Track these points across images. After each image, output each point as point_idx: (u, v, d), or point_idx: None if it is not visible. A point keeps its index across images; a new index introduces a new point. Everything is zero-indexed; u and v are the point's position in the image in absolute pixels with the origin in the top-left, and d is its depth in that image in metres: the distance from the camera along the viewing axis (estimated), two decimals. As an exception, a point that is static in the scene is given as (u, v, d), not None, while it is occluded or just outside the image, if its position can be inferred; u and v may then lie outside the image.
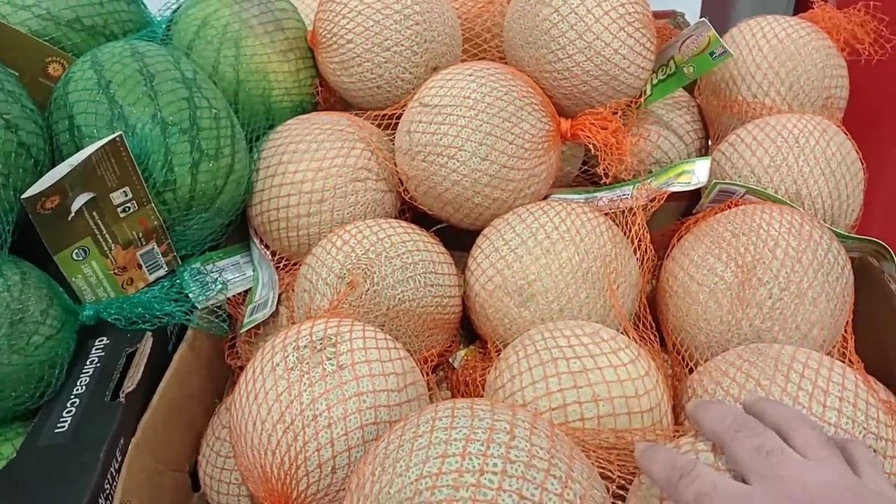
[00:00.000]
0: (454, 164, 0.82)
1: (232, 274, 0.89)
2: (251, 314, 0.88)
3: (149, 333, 0.75)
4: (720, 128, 1.00)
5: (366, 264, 0.76)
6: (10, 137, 0.70)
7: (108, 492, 0.62)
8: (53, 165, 0.72)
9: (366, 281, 0.75)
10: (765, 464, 0.43)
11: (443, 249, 0.83)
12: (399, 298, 0.75)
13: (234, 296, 0.89)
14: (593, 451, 0.58)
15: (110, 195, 0.72)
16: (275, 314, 0.88)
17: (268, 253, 0.92)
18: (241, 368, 0.87)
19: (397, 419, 0.62)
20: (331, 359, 0.63)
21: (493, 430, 0.52)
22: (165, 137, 0.75)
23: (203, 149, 0.77)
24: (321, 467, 0.59)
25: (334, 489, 0.60)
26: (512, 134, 0.82)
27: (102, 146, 0.69)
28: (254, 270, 0.93)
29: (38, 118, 0.75)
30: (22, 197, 0.66)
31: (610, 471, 0.56)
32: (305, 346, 0.64)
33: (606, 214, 0.85)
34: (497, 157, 0.81)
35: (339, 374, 0.62)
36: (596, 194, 0.92)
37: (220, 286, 0.84)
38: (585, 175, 1.04)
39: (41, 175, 0.70)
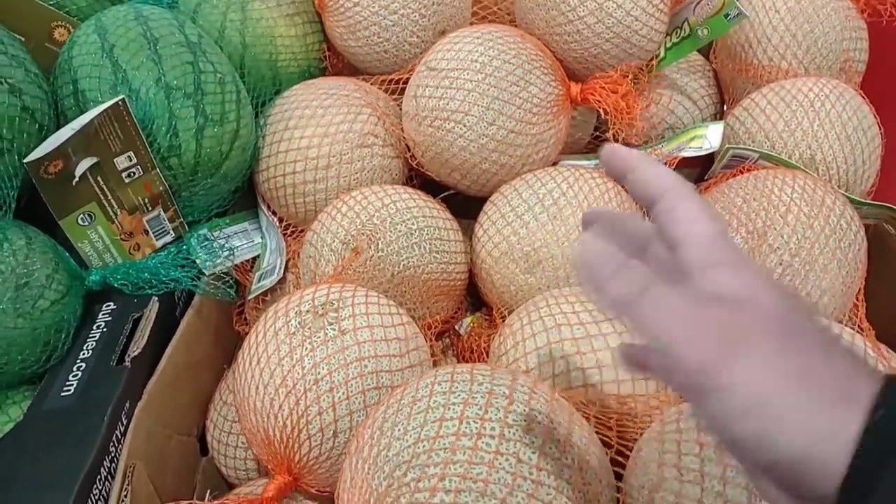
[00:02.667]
0: (461, 129, 0.80)
1: (240, 241, 0.89)
2: (259, 281, 0.88)
3: (155, 298, 0.75)
4: (735, 92, 0.98)
5: (370, 230, 0.75)
6: (13, 102, 0.69)
7: (112, 454, 0.63)
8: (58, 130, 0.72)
9: (370, 247, 0.75)
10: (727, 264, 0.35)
11: (449, 216, 0.83)
12: (404, 265, 0.75)
13: (241, 262, 0.89)
14: (594, 417, 0.58)
15: (114, 160, 0.72)
16: (282, 281, 0.88)
17: (275, 220, 0.92)
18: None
19: (399, 384, 0.61)
20: (332, 324, 0.63)
21: (492, 395, 0.52)
22: (170, 102, 0.74)
23: (208, 114, 0.77)
24: (323, 431, 0.59)
25: (336, 453, 0.60)
26: (520, 98, 0.81)
27: (105, 110, 0.68)
28: (262, 237, 0.93)
29: (42, 83, 0.75)
30: (25, 161, 0.66)
31: (609, 437, 0.56)
32: (307, 311, 0.64)
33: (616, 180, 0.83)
34: (504, 121, 0.80)
35: (341, 339, 0.62)
36: (605, 160, 0.91)
37: (227, 253, 0.84)
38: (597, 141, 1.02)
39: (45, 140, 0.70)
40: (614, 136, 0.83)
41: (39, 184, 0.68)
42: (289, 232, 0.91)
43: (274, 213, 0.92)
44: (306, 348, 0.61)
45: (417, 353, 0.66)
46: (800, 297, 0.33)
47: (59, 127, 0.75)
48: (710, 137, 0.84)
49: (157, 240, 0.81)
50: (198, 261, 0.82)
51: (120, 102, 0.69)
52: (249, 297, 0.87)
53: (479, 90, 0.80)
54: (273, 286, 0.87)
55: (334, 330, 0.62)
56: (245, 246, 0.89)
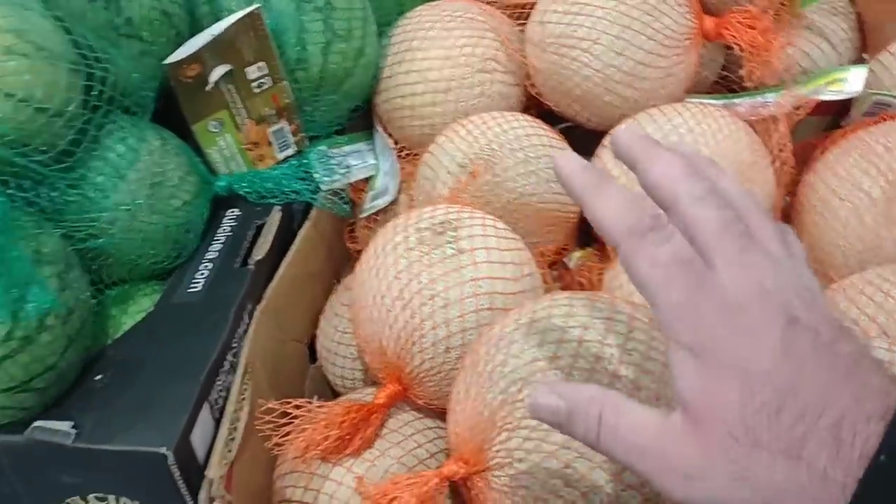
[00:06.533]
0: (587, 57, 0.78)
1: (355, 160, 0.91)
2: (372, 200, 0.89)
3: (278, 207, 0.78)
4: (882, 37, 0.92)
5: (488, 155, 0.75)
6: (154, 5, 0.71)
7: (235, 350, 0.66)
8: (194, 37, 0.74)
9: (487, 172, 0.75)
10: (732, 246, 0.35)
11: (566, 146, 0.81)
12: (520, 192, 0.74)
13: (356, 181, 0.90)
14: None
15: (246, 69, 0.74)
16: (394, 202, 0.89)
17: (391, 141, 0.92)
18: (360, 252, 0.90)
19: (512, 307, 0.62)
20: (451, 242, 0.63)
21: (612, 321, 0.52)
22: (300, 14, 0.75)
23: (335, 29, 0.78)
24: (435, 345, 0.61)
25: (447, 367, 0.61)
26: (651, 29, 0.78)
27: (241, 18, 0.70)
28: (375, 159, 0.94)
29: (181, -12, 0.77)
30: (165, 62, 0.68)
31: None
32: (426, 229, 0.65)
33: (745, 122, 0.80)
34: (633, 52, 0.78)
35: (458, 258, 0.62)
36: (734, 100, 0.87)
37: (344, 170, 0.86)
38: (723, 82, 0.98)
39: (182, 45, 0.73)
40: (749, 73, 0.79)
41: (177, 87, 0.71)
42: (403, 154, 0.92)
43: (389, 135, 0.93)
44: (424, 264, 0.62)
45: (531, 279, 0.66)
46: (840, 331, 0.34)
47: (193, 33, 0.77)
48: (851, 81, 0.79)
49: (279, 152, 0.83)
50: (316, 176, 0.83)
51: (255, 11, 0.70)
52: (362, 216, 0.89)
53: (609, 18, 0.78)
54: (385, 206, 0.88)
55: (452, 249, 0.63)
56: (360, 165, 0.91)
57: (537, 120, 0.82)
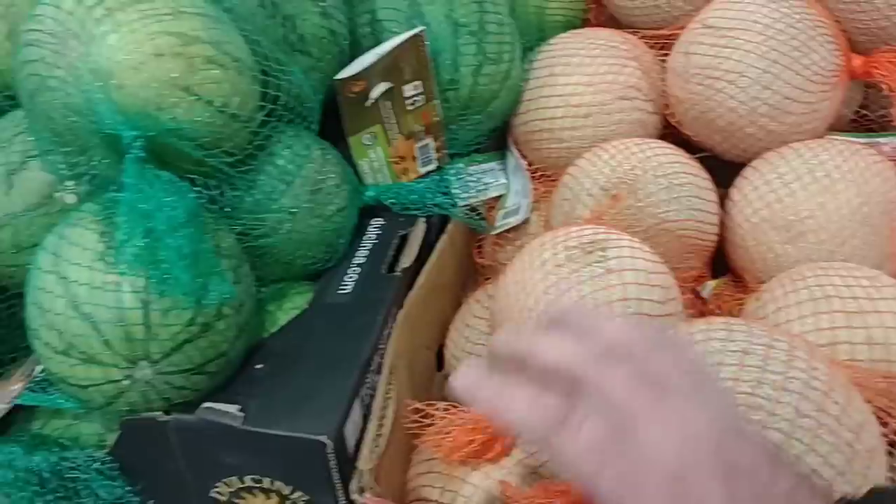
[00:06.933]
0: (733, 89, 0.79)
1: (490, 178, 0.94)
2: (503, 218, 0.92)
3: (423, 219, 0.81)
4: None
5: (632, 180, 0.77)
6: (323, 24, 0.76)
7: (381, 351, 0.69)
8: (353, 55, 0.79)
9: (630, 196, 0.76)
10: (644, 401, 0.36)
11: (707, 176, 0.82)
12: (662, 217, 0.76)
13: (489, 199, 0.93)
14: (866, 390, 0.57)
15: (403, 87, 0.78)
16: (526, 221, 0.91)
17: (524, 162, 0.95)
18: (486, 267, 0.93)
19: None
20: (600, 262, 0.65)
21: (772, 348, 0.53)
22: (456, 38, 0.79)
23: (487, 52, 0.81)
24: (581, 361, 0.62)
25: (590, 383, 0.63)
26: (800, 64, 0.78)
27: (406, 40, 0.74)
28: (507, 178, 0.97)
29: (344, 9, 0.81)
30: (337, 77, 0.73)
31: (887, 412, 0.55)
32: (575, 247, 0.67)
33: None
34: (780, 86, 0.78)
35: (607, 277, 0.64)
36: (878, 139, 0.86)
37: (481, 187, 0.89)
38: (863, 119, 0.97)
39: (343, 63, 0.77)
40: (898, 113, 0.78)
41: (342, 101, 0.75)
42: (537, 175, 0.94)
43: (523, 156, 0.96)
44: (572, 281, 0.64)
45: (675, 303, 0.67)
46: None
47: (353, 51, 0.82)
48: None
49: (421, 167, 0.86)
50: (454, 191, 0.87)
51: (420, 34, 0.74)
52: (493, 232, 0.92)
53: (758, 52, 0.78)
54: (516, 225, 0.91)
55: (601, 268, 0.65)
56: (495, 184, 0.94)
57: (678, 148, 0.83)
